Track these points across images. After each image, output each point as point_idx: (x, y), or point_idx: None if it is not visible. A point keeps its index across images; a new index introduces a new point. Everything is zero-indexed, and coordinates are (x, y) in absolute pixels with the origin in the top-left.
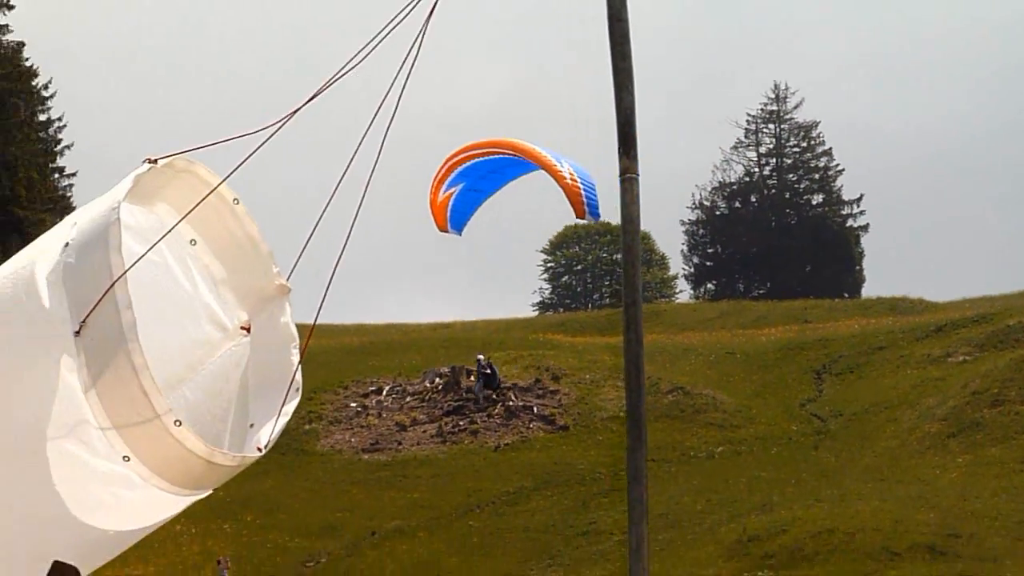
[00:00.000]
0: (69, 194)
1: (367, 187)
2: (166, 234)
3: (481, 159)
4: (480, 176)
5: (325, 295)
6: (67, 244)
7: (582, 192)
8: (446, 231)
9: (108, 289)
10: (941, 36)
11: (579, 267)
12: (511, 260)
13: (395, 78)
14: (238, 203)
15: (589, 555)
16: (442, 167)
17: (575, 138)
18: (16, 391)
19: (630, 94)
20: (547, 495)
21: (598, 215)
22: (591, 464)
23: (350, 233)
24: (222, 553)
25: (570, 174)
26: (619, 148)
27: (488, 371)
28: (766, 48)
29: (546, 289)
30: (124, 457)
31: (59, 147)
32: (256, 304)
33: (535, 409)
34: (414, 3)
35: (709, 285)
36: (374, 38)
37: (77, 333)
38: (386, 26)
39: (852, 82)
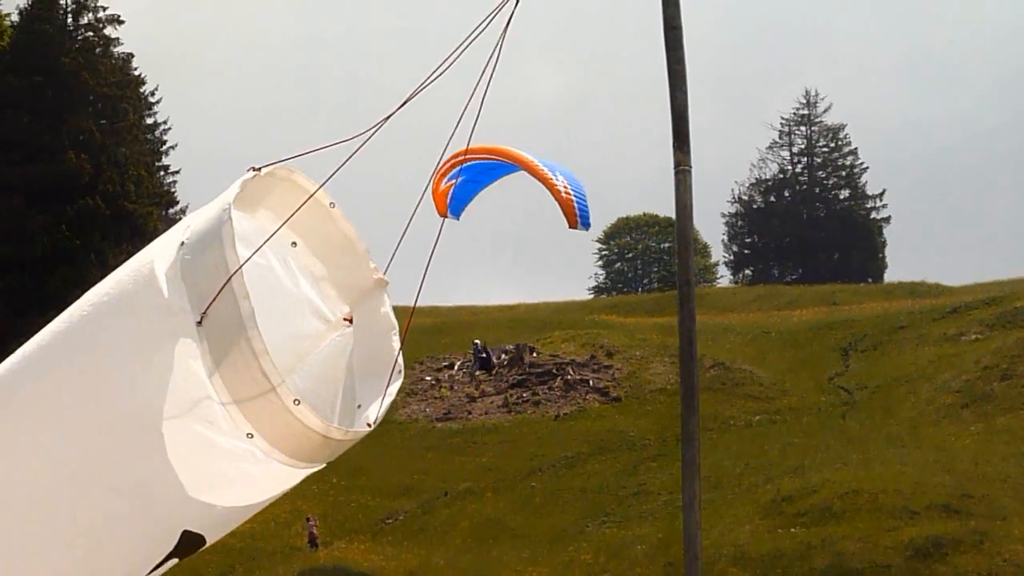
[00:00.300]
0: (173, 190)
1: (424, 190)
2: (273, 234)
3: (480, 162)
4: (478, 172)
5: (421, 286)
6: (183, 243)
7: (575, 204)
8: (446, 216)
9: (227, 281)
10: (956, 40)
11: (630, 255)
12: (569, 248)
13: (476, 86)
14: (334, 207)
15: (639, 513)
16: (445, 163)
17: (630, 135)
18: (143, 376)
19: (683, 93)
20: (601, 460)
21: (588, 225)
22: (641, 432)
23: (440, 230)
24: (310, 512)
25: (564, 187)
26: (673, 143)
27: (484, 355)
28: (798, 54)
29: (600, 274)
30: (248, 434)
31: (164, 147)
32: (356, 297)
33: (591, 382)
34: (496, 12)
35: (747, 271)
36: (458, 48)
37: (199, 323)
38: (470, 35)
39: (875, 86)
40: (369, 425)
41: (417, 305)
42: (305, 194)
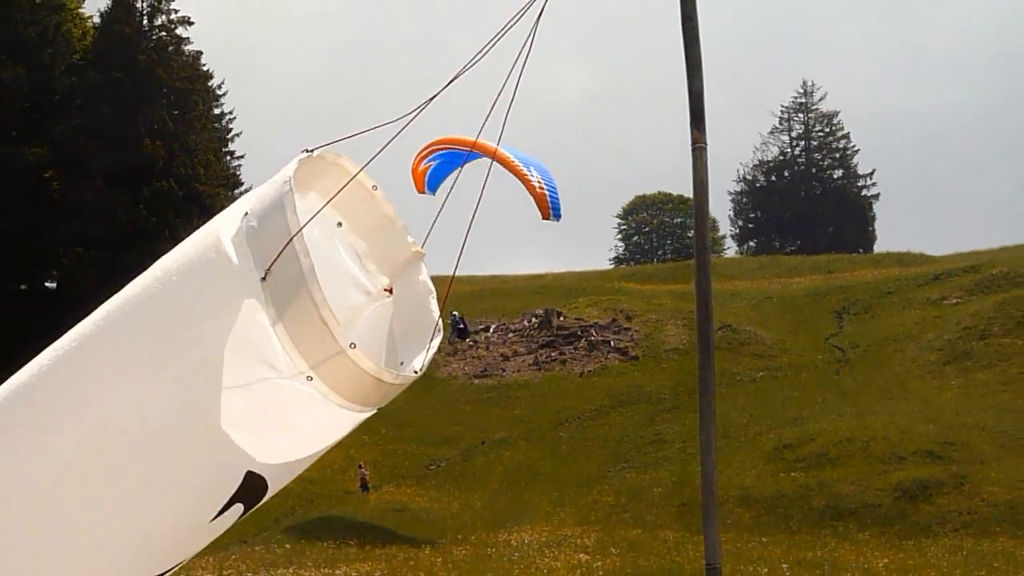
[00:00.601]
0: (239, 173)
1: (488, 172)
2: (321, 209)
3: (457, 150)
4: (453, 156)
5: (459, 257)
6: (247, 213)
7: (547, 197)
8: (423, 192)
9: (289, 241)
10: (937, 38)
11: (646, 229)
12: (592, 223)
13: (508, 77)
14: (376, 189)
15: (655, 459)
16: (424, 148)
17: (653, 117)
18: (211, 327)
19: (699, 81)
20: (621, 412)
21: (560, 216)
22: (657, 387)
23: (476, 209)
24: (362, 459)
25: (538, 182)
26: (691, 123)
27: (461, 325)
28: (796, 49)
29: (620, 246)
30: (307, 377)
31: (230, 135)
32: (396, 269)
33: (611, 343)
34: (530, 3)
35: (751, 243)
36: (495, 36)
37: (263, 279)
38: (507, 24)
39: (865, 77)
40: (416, 372)
41: (456, 275)
42: (349, 176)
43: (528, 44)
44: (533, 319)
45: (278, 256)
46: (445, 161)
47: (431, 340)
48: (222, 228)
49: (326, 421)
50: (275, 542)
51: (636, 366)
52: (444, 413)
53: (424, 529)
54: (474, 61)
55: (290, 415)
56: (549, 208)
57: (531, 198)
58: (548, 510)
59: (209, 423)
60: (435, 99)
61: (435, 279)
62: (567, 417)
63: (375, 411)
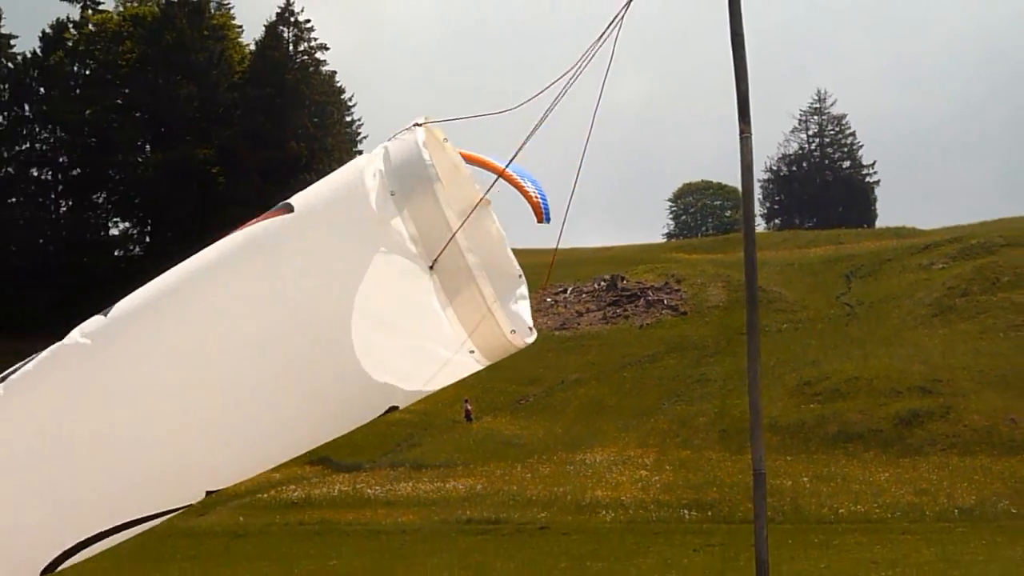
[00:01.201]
0: None
1: (579, 168)
2: (471, 211)
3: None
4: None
5: (561, 232)
6: (393, 193)
7: (541, 205)
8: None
9: (450, 239)
10: (928, 50)
11: (692, 210)
12: (649, 205)
13: (603, 84)
14: (447, 141)
15: (701, 395)
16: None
17: (697, 116)
18: (385, 302)
19: (745, 82)
20: (673, 357)
21: (550, 219)
22: (701, 337)
23: (571, 199)
24: (466, 395)
25: (533, 192)
26: (739, 117)
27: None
28: (811, 61)
29: (671, 224)
30: (470, 351)
31: (359, 137)
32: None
33: (664, 301)
34: (622, 13)
35: (776, 220)
36: (593, 45)
37: (431, 267)
38: (604, 31)
39: (868, 84)
40: (531, 329)
41: (539, 247)
42: (442, 144)
43: (612, 50)
44: (602, 283)
45: (443, 249)
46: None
47: (517, 289)
48: (375, 200)
49: (462, 368)
50: (397, 462)
51: (685, 320)
52: (531, 358)
53: (516, 451)
54: (575, 72)
55: (441, 374)
56: (543, 212)
57: (528, 206)
58: (614, 436)
59: (354, 359)
60: (534, 98)
61: (517, 252)
62: (629, 361)
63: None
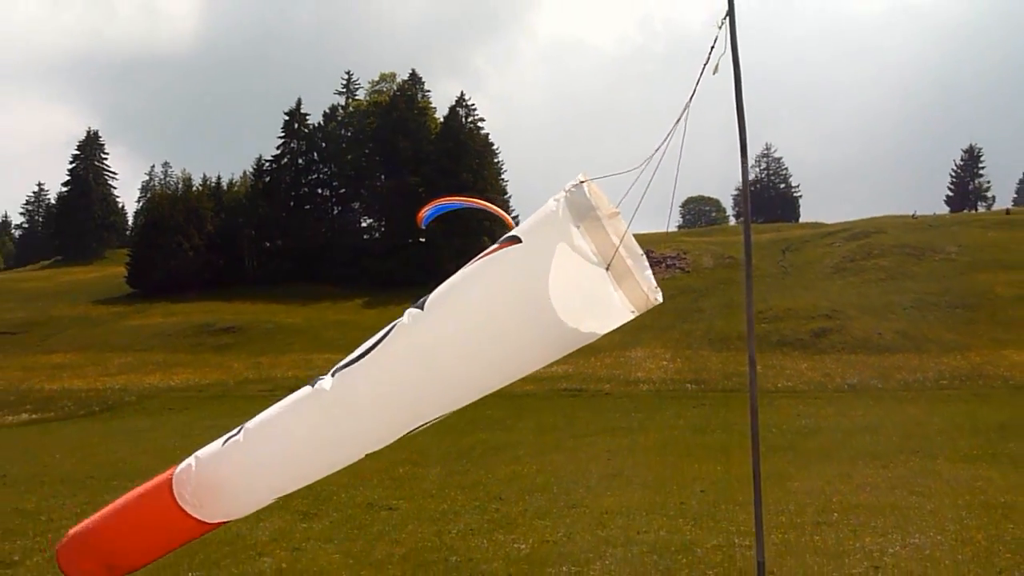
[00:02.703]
0: (514, 210)
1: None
2: (624, 235)
3: (460, 202)
4: (458, 205)
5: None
6: (578, 227)
7: (512, 223)
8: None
9: (616, 249)
10: (832, 118)
11: (693, 212)
12: (667, 208)
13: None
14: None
15: (698, 318)
16: (433, 200)
17: (704, 144)
18: (570, 286)
19: (744, 132)
20: (682, 296)
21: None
22: (698, 285)
23: (639, 203)
24: None
25: (507, 217)
26: (740, 152)
27: None
28: (761, 126)
29: (680, 219)
30: (631, 311)
31: (502, 171)
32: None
33: (676, 264)
34: (717, 59)
35: (742, 218)
36: (697, 81)
37: (607, 268)
38: (700, 74)
39: (795, 137)
40: (658, 289)
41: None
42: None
43: (696, 81)
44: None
45: (612, 258)
46: (441, 207)
47: (646, 266)
48: (567, 229)
49: (624, 321)
50: None
51: (688, 275)
52: None
53: (592, 349)
54: (682, 116)
55: (611, 322)
56: (512, 227)
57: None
58: (648, 341)
59: (562, 322)
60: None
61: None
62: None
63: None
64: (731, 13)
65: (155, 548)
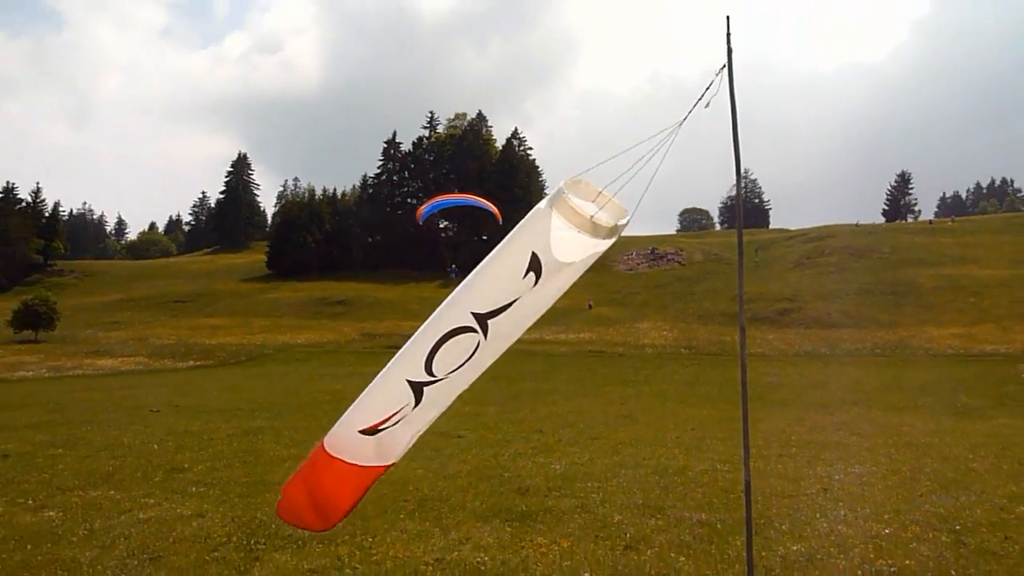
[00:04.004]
0: None
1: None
2: (627, 221)
3: (460, 199)
4: (458, 201)
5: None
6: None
7: (499, 216)
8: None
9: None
10: (794, 147)
11: (688, 219)
12: (671, 215)
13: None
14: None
15: (689, 299)
16: (434, 196)
17: (698, 168)
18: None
19: (738, 155)
20: (678, 283)
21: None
22: (691, 274)
23: (640, 201)
24: (591, 297)
25: (496, 210)
26: (735, 173)
27: (453, 268)
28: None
29: (678, 224)
30: (605, 237)
31: (545, 187)
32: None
33: (674, 259)
34: (710, 97)
35: (726, 224)
36: (698, 99)
37: (591, 221)
38: (694, 105)
39: (767, 163)
40: (626, 210)
41: (625, 236)
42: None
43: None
44: (647, 250)
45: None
46: (440, 203)
47: (626, 218)
48: (547, 208)
49: (600, 252)
50: (558, 328)
51: (683, 267)
52: (621, 284)
53: (609, 321)
54: (696, 105)
55: (591, 255)
56: (499, 217)
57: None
58: (652, 317)
59: (557, 261)
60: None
61: (631, 239)
62: (658, 283)
63: (614, 240)
64: (729, 65)
65: (349, 498)
